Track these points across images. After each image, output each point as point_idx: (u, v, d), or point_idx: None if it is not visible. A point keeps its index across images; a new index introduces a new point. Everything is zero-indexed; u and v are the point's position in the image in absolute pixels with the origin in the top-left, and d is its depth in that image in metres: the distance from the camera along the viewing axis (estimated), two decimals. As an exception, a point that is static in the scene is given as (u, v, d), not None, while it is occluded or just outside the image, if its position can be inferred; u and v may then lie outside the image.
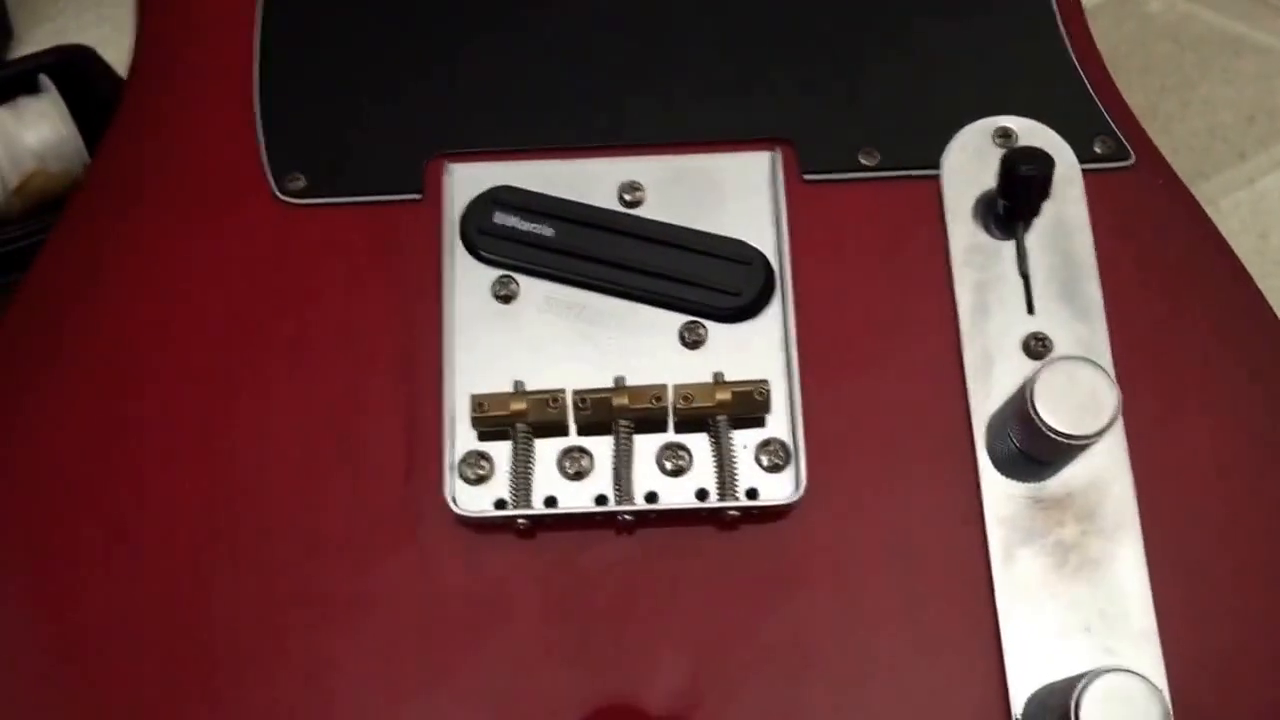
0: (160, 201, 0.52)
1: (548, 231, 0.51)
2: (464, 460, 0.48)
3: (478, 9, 0.55)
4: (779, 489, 0.48)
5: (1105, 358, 0.50)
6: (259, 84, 0.54)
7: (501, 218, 0.51)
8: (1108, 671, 0.43)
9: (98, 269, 0.52)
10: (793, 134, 0.53)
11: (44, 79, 0.76)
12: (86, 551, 0.47)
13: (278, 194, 0.52)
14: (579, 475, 0.48)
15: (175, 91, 0.55)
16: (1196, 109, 0.79)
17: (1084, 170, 0.53)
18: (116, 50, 0.83)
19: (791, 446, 0.48)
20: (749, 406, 0.48)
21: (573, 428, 0.49)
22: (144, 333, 0.50)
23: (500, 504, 0.48)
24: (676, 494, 0.48)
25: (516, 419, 0.48)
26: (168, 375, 0.50)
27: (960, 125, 0.53)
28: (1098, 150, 0.53)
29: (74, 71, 0.78)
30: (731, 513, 0.47)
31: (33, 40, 0.92)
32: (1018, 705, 0.46)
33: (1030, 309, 0.51)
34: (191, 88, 0.55)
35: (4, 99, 0.76)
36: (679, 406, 0.48)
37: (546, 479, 0.48)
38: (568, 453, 0.48)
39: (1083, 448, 0.47)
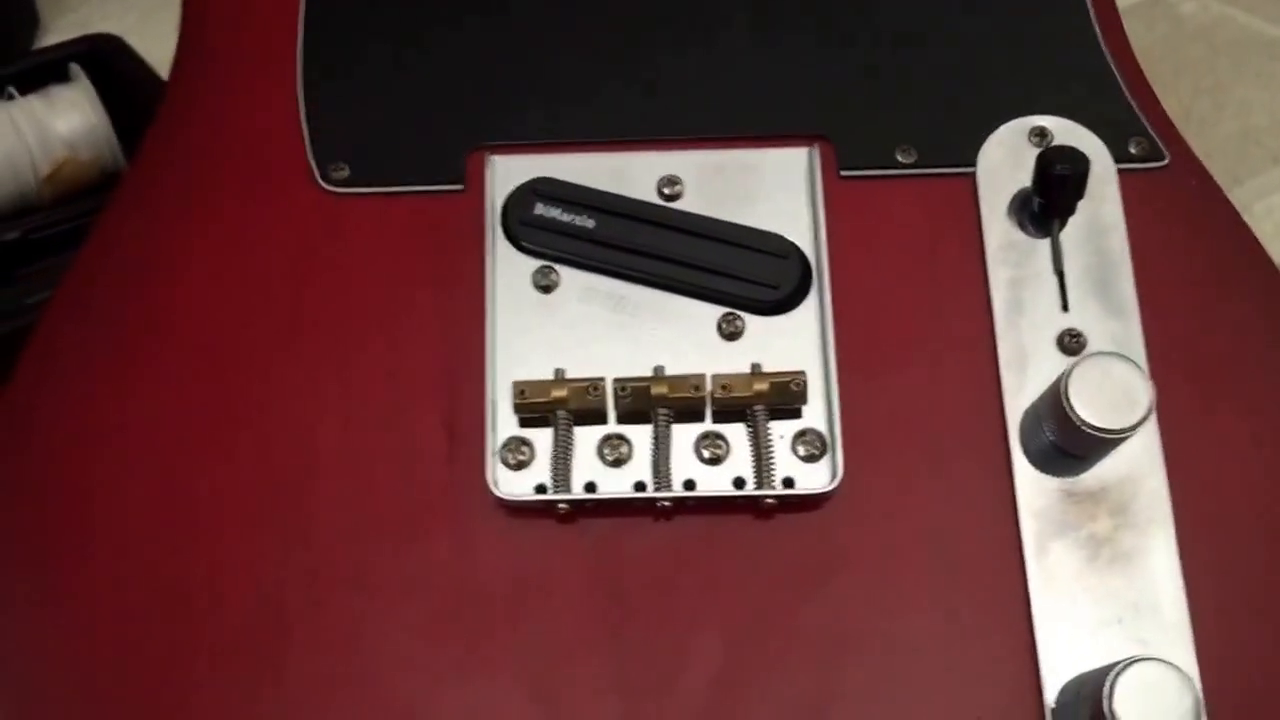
0: (205, 190, 0.53)
1: (588, 223, 0.52)
2: (505, 446, 0.49)
3: (522, 2, 0.56)
4: (815, 478, 0.49)
5: (1139, 354, 0.51)
6: (303, 73, 0.55)
7: (542, 209, 0.52)
8: (1140, 660, 0.44)
9: (143, 257, 0.52)
10: (831, 130, 0.54)
11: (75, 68, 0.77)
12: (135, 530, 0.48)
13: (321, 183, 0.53)
14: (618, 462, 0.49)
15: (219, 81, 0.55)
16: (1231, 112, 0.79)
17: (1119, 170, 0.53)
18: (141, 39, 0.84)
19: (828, 437, 0.49)
20: (786, 397, 0.49)
21: (612, 415, 0.49)
22: (189, 320, 0.51)
23: (540, 489, 0.48)
24: (714, 482, 0.49)
25: (557, 406, 0.49)
26: (214, 361, 0.51)
27: (996, 124, 0.54)
28: (1132, 150, 0.54)
29: (104, 60, 0.79)
30: (768, 501, 0.48)
31: (58, 29, 0.93)
32: (1051, 694, 0.46)
33: (1065, 306, 0.51)
34: (236, 77, 0.55)
35: (35, 87, 0.77)
36: (717, 396, 0.49)
37: (586, 465, 0.49)
38: (607, 440, 0.49)
39: (1116, 442, 0.48)
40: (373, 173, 0.53)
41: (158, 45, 0.86)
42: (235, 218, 0.53)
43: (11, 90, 0.75)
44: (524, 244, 0.52)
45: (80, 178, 0.75)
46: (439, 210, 0.52)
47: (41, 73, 0.78)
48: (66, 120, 0.74)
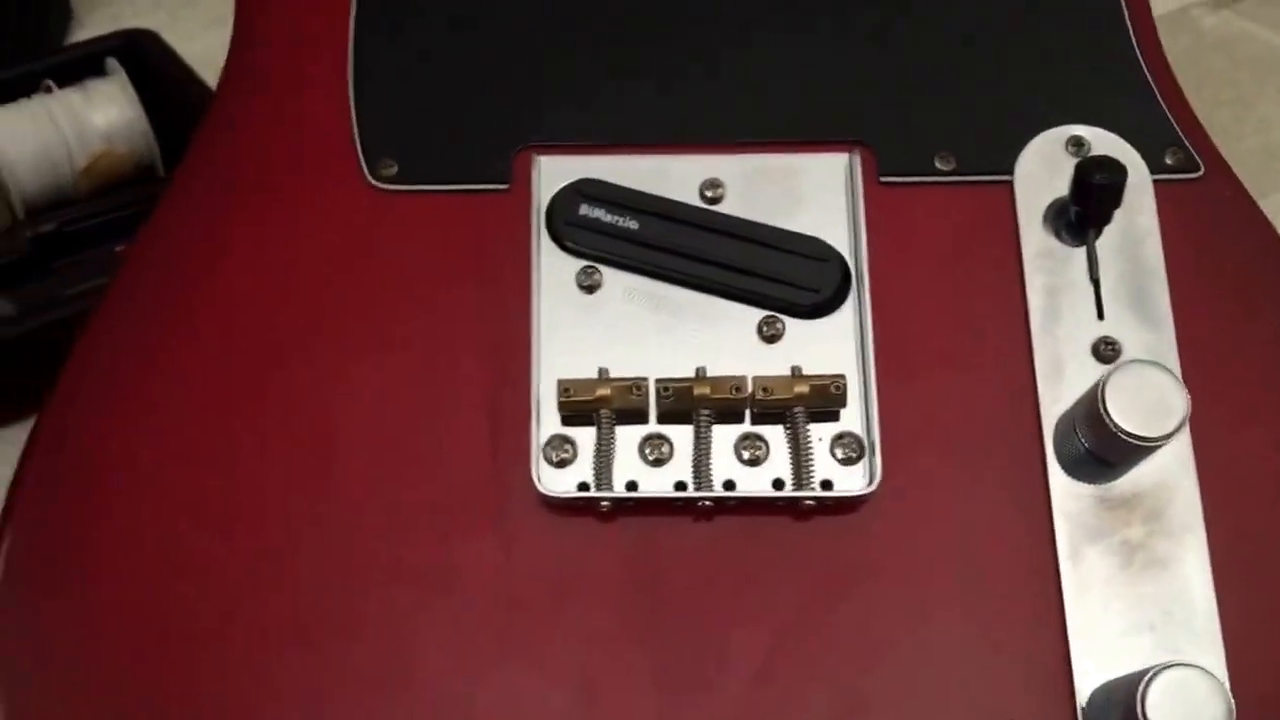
0: (257, 185, 0.54)
1: (632, 225, 0.52)
2: (549, 443, 0.49)
3: (570, 4, 0.57)
4: (853, 481, 0.49)
5: (1173, 363, 0.51)
6: (353, 71, 0.56)
7: (587, 210, 0.53)
8: (1172, 666, 0.44)
9: (194, 251, 0.53)
10: (871, 137, 0.54)
11: (112, 62, 0.78)
12: (182, 519, 0.49)
13: (371, 180, 0.54)
14: (659, 462, 0.49)
15: (271, 75, 0.56)
16: (1252, 127, 0.80)
17: (1154, 180, 0.54)
18: (171, 35, 0.85)
19: (865, 440, 0.50)
20: (825, 400, 0.50)
21: (654, 415, 0.50)
22: (240, 313, 0.52)
23: (583, 487, 0.49)
24: (753, 483, 0.49)
25: (600, 405, 0.49)
26: (262, 355, 0.51)
27: (1034, 133, 0.55)
28: (1168, 161, 0.54)
29: (139, 55, 0.79)
30: (806, 503, 0.49)
31: (91, 23, 0.94)
32: (1083, 699, 0.47)
33: (1100, 314, 0.52)
34: (287, 72, 0.56)
35: (71, 81, 0.78)
36: (758, 398, 0.49)
37: (628, 464, 0.49)
38: (649, 439, 0.50)
39: (1151, 450, 0.48)
40: (421, 171, 0.54)
41: (187, 41, 0.86)
42: (285, 213, 0.53)
43: (49, 83, 0.76)
44: (568, 244, 0.52)
45: (116, 171, 0.76)
46: (485, 209, 0.53)
47: (78, 67, 0.79)
48: (104, 114, 0.75)
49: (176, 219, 0.54)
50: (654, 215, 0.53)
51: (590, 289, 0.52)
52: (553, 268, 0.52)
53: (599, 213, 0.52)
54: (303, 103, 0.55)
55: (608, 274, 0.52)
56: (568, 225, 0.52)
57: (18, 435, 0.69)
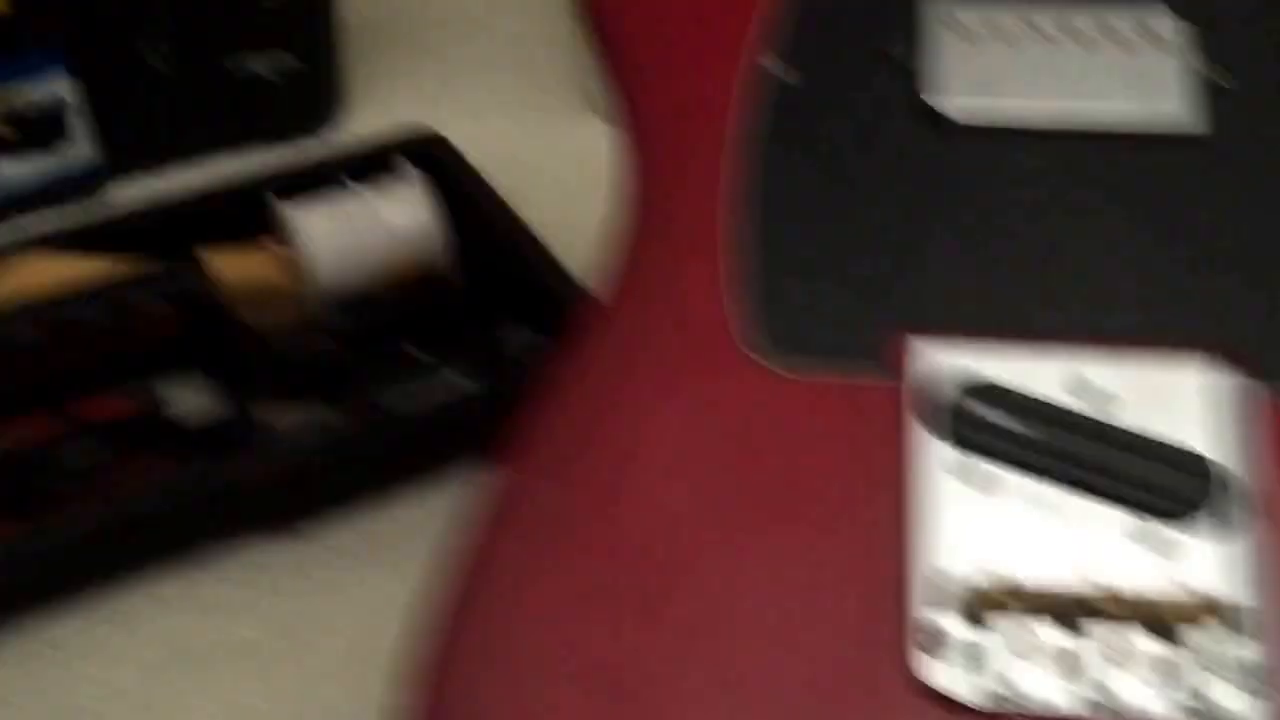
0: (637, 355, 0.55)
1: (1019, 427, 0.52)
2: (931, 638, 0.49)
3: (953, 195, 0.58)
4: (1250, 710, 0.48)
5: None
6: (730, 248, 0.56)
7: (976, 406, 0.52)
8: None
9: (582, 412, 0.55)
10: (1250, 342, 0.54)
11: (405, 162, 0.78)
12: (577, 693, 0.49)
13: (747, 356, 0.54)
14: (1049, 670, 0.49)
15: (654, 243, 0.57)
16: None
17: None
18: (434, 120, 0.85)
19: (1262, 668, 0.49)
20: (1222, 622, 0.49)
21: (1044, 622, 0.49)
22: (621, 485, 0.53)
23: (967, 687, 0.48)
24: (1150, 703, 0.48)
25: (988, 608, 0.49)
26: (636, 527, 0.52)
27: None
28: None
29: (425, 155, 0.80)
30: (1205, 730, 0.48)
31: (364, 107, 0.94)
32: None
33: None
34: (664, 249, 0.57)
35: (356, 176, 0.78)
36: (1151, 614, 0.49)
37: (1014, 670, 0.49)
38: (1038, 648, 0.49)
39: None
40: (797, 349, 0.54)
41: (452, 125, 0.87)
42: (661, 391, 0.54)
43: (348, 181, 0.76)
44: (955, 439, 0.52)
45: (411, 275, 0.76)
46: (865, 395, 0.53)
47: (363, 162, 0.79)
48: (402, 216, 0.76)
49: (568, 390, 0.55)
50: (1040, 417, 0.52)
51: (975, 485, 0.51)
52: (937, 461, 0.51)
53: (989, 411, 0.52)
54: (679, 278, 0.56)
55: (994, 472, 0.51)
56: (956, 420, 0.52)
57: (348, 542, 0.70)
